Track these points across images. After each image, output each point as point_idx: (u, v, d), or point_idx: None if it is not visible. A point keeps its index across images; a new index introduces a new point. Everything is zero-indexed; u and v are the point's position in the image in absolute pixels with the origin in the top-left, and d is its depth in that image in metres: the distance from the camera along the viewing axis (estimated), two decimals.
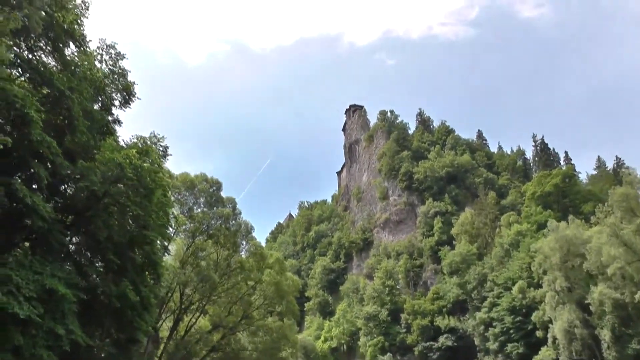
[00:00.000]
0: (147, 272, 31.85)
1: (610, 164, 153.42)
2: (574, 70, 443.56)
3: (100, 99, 33.66)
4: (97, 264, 28.90)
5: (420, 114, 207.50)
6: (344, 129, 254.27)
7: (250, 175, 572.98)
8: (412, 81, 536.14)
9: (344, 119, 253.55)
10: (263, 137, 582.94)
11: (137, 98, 35.85)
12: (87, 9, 32.71)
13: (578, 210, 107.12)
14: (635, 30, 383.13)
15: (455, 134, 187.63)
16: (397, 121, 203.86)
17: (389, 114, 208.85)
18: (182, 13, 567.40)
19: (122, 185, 27.09)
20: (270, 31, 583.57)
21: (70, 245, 28.14)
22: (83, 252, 28.66)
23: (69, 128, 26.57)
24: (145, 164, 28.44)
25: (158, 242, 37.48)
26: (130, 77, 36.18)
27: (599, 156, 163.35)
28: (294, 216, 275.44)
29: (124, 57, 35.42)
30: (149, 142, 36.98)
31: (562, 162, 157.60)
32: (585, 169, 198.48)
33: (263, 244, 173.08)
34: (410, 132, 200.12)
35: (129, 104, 35.78)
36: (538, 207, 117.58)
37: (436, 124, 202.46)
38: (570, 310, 79.34)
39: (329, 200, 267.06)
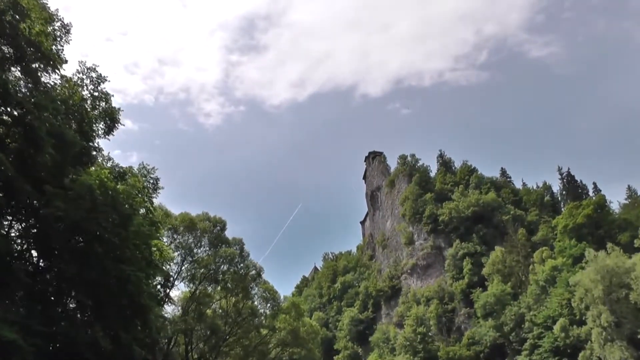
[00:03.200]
0: (135, 318, 27.64)
1: None
2: (590, 104, 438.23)
3: (82, 125, 30.70)
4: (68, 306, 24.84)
5: (441, 156, 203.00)
6: (364, 177, 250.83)
7: (274, 232, 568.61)
8: (429, 128, 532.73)
9: (364, 167, 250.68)
10: (284, 194, 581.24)
11: (121, 124, 32.96)
12: (68, 33, 30.35)
13: (615, 241, 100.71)
14: None
15: (479, 173, 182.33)
16: (418, 164, 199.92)
17: (409, 157, 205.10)
18: (198, 75, 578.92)
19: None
20: (283, 89, 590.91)
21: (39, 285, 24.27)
22: (50, 291, 24.51)
23: (33, 148, 23.32)
24: (120, 186, 24.76)
25: (158, 284, 33.53)
26: (114, 103, 33.46)
27: (629, 185, 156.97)
28: (319, 269, 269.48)
29: (106, 80, 32.70)
30: (138, 174, 33.83)
31: (591, 193, 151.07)
32: (615, 200, 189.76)
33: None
34: (432, 174, 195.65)
35: (113, 132, 32.82)
36: (572, 240, 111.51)
37: (457, 164, 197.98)
38: (621, 348, 72.72)
39: (354, 250, 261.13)
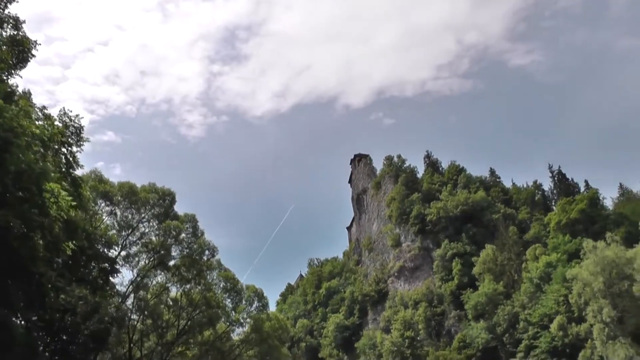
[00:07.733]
0: (26, 291, 20.88)
1: (634, 189, 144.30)
2: (574, 110, 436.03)
3: None
4: None
5: (428, 156, 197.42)
6: (350, 181, 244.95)
7: (259, 243, 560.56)
8: (413, 137, 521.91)
9: (349, 172, 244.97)
10: (268, 205, 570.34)
11: (33, 55, 26.64)
12: None
13: None
14: (626, 66, 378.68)
15: (467, 172, 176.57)
16: (405, 165, 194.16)
17: (395, 158, 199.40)
18: (178, 86, 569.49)
19: None
20: (265, 99, 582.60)
21: None
22: None
23: None
24: None
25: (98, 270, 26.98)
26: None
27: (620, 183, 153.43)
28: (305, 276, 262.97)
29: (14, 0, 26.35)
30: (58, 122, 27.42)
31: (582, 190, 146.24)
32: (608, 196, 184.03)
33: (274, 307, 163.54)
34: (419, 176, 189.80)
35: (25, 64, 26.50)
36: (566, 236, 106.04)
37: (445, 165, 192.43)
38: (625, 346, 66.85)
39: (341, 257, 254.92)
